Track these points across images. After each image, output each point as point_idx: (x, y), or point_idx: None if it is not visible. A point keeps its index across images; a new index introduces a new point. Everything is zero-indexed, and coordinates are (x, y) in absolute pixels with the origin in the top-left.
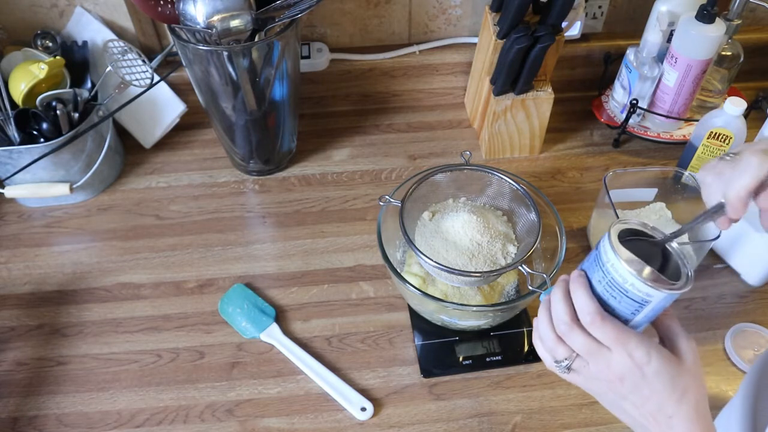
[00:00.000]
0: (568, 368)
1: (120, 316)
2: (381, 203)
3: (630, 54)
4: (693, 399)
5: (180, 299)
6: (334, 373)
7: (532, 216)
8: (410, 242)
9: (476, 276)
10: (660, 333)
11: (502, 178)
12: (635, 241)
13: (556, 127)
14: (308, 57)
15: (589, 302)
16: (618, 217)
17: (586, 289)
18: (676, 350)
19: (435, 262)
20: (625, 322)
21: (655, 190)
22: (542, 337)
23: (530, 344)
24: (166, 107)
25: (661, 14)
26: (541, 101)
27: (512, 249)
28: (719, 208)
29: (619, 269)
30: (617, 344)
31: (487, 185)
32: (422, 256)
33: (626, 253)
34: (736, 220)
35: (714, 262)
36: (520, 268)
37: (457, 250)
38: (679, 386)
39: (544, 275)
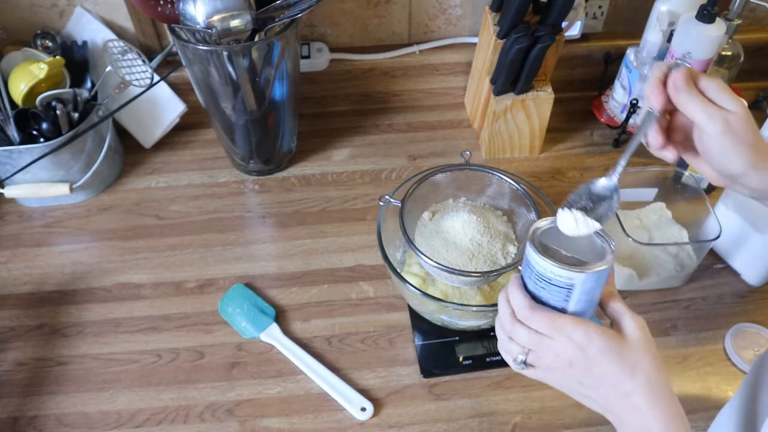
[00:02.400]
0: (525, 363)
1: (120, 316)
2: (381, 203)
3: (630, 54)
4: (645, 373)
5: (180, 299)
6: (334, 373)
7: (532, 216)
8: (410, 242)
9: (476, 276)
10: (608, 316)
11: (502, 178)
12: (558, 233)
13: (556, 127)
14: (308, 57)
15: (521, 298)
16: (618, 218)
17: (517, 287)
18: (621, 329)
19: (435, 262)
20: (563, 311)
21: (655, 190)
22: (498, 340)
23: None
24: (166, 107)
25: (661, 14)
26: (541, 101)
27: (512, 249)
28: (646, 117)
29: (538, 261)
30: (553, 330)
31: (487, 185)
32: (422, 256)
33: (542, 245)
34: (667, 140)
35: (714, 262)
36: (520, 268)
37: (457, 250)
38: (627, 362)
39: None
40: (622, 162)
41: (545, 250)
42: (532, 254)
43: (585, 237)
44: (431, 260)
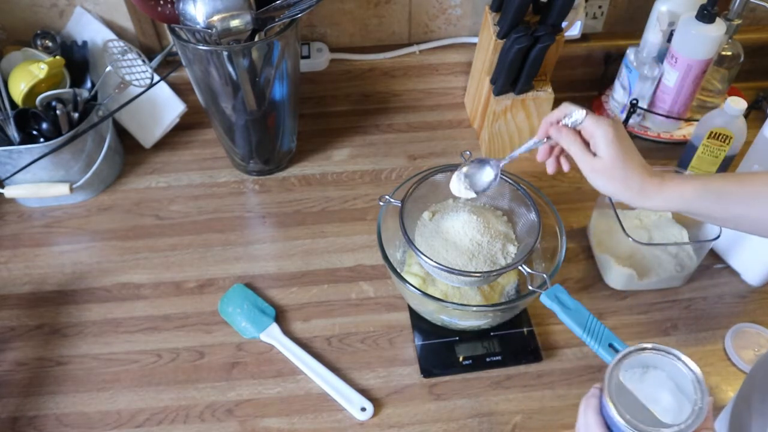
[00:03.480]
0: None
1: (120, 316)
2: (381, 203)
3: (630, 54)
4: None
5: (180, 299)
6: (334, 373)
7: (532, 216)
8: (410, 242)
9: (476, 276)
10: None
11: (502, 178)
12: (638, 360)
13: None
14: (308, 57)
15: (596, 428)
16: (618, 218)
17: (594, 413)
18: None
19: (435, 262)
20: None
21: None
22: None
23: (530, 344)
24: (166, 107)
25: (661, 14)
26: (541, 101)
27: (512, 249)
28: (534, 141)
29: (611, 412)
30: None
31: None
32: (422, 256)
33: (619, 386)
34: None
35: (714, 262)
36: (520, 268)
37: (457, 250)
38: None
39: (544, 275)
40: (512, 154)
41: (621, 393)
42: (607, 403)
43: (680, 376)
44: (431, 260)
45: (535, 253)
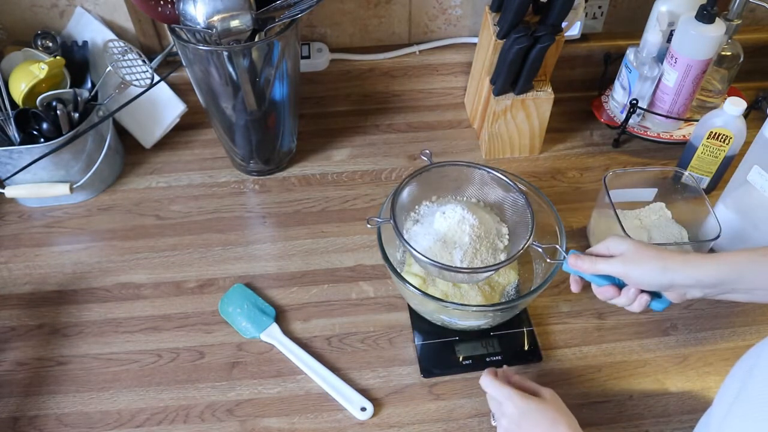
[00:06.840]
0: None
1: (120, 316)
2: (369, 226)
3: (630, 54)
4: (564, 423)
5: (180, 299)
6: (334, 373)
7: (523, 210)
8: (405, 242)
9: (466, 272)
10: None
11: (497, 177)
12: None
13: (556, 127)
14: (308, 57)
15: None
16: (618, 218)
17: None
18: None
19: (427, 257)
20: None
21: (654, 190)
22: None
23: (530, 344)
24: (166, 107)
25: (661, 14)
26: (541, 101)
27: (502, 250)
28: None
29: None
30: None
31: (484, 184)
32: (416, 252)
33: None
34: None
35: None
36: (533, 246)
37: (446, 245)
38: (548, 415)
39: (556, 246)
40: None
41: None
42: None
43: None
44: (424, 256)
45: (535, 253)
